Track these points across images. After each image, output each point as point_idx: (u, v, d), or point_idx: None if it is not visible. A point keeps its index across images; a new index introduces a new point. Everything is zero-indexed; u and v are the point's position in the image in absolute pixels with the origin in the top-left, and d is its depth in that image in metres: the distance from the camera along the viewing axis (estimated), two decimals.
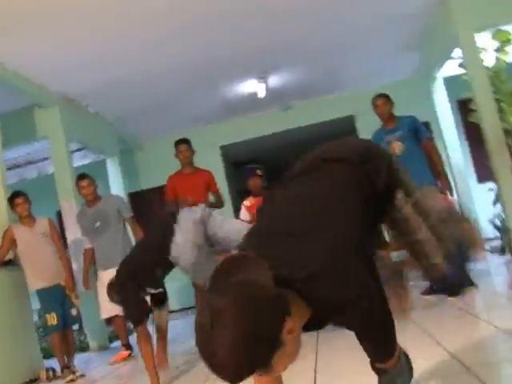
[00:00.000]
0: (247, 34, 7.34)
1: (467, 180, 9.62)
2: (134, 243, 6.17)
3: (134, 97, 8.53)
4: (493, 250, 8.09)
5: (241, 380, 1.47)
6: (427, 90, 9.42)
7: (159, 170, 10.21)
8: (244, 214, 6.18)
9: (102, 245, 6.18)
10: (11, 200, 5.82)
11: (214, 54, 7.61)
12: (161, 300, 4.57)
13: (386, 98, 5.89)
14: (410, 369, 2.10)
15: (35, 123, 7.52)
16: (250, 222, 6.13)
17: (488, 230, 8.58)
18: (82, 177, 6.25)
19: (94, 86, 7.69)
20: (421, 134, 5.86)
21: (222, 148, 10.77)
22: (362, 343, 1.90)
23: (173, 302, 7.06)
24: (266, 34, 7.43)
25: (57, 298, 5.84)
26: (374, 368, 1.98)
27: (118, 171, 9.42)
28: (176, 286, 8.00)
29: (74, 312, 5.99)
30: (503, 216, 7.51)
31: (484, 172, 9.88)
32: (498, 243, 8.04)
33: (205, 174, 6.66)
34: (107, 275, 6.06)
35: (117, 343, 7.65)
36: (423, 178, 5.75)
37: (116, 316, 6.21)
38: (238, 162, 12.41)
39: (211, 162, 8.52)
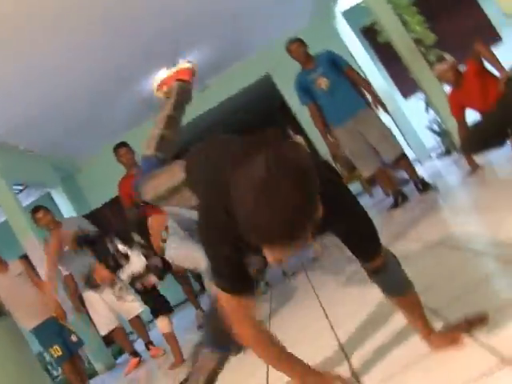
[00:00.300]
0: (143, 28, 7.35)
1: (394, 99, 9.91)
2: None
3: (56, 123, 8.48)
4: (439, 156, 8.45)
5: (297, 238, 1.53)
6: (331, 27, 9.65)
7: (104, 185, 10.25)
8: None
9: (77, 267, 6.22)
10: None
11: (120, 57, 7.62)
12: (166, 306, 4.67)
13: (298, 41, 6.08)
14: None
15: None
16: None
17: (429, 139, 8.94)
18: (36, 210, 6.29)
19: (16, 123, 7.62)
20: (340, 64, 6.09)
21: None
22: (354, 246, 1.94)
23: None
24: (163, 21, 7.49)
25: (53, 330, 5.86)
26: (371, 273, 1.96)
27: (65, 199, 9.39)
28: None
29: (74, 338, 6.03)
30: (439, 120, 7.83)
31: (406, 88, 10.26)
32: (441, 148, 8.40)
33: None
34: (92, 294, 6.18)
35: (121, 359, 7.75)
36: (356, 103, 6.03)
37: (115, 329, 6.30)
38: (174, 155, 12.46)
39: None
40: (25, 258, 6.92)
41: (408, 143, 9.52)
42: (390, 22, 7.42)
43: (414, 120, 9.60)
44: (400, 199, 5.92)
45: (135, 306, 6.25)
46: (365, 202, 7.29)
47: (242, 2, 8.30)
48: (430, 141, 8.94)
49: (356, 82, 6.11)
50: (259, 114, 13.21)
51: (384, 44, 8.33)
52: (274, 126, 15.51)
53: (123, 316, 6.33)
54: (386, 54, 9.83)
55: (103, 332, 6.38)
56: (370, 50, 10.32)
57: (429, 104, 7.77)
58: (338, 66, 6.05)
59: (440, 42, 7.78)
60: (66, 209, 9.32)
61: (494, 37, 10.02)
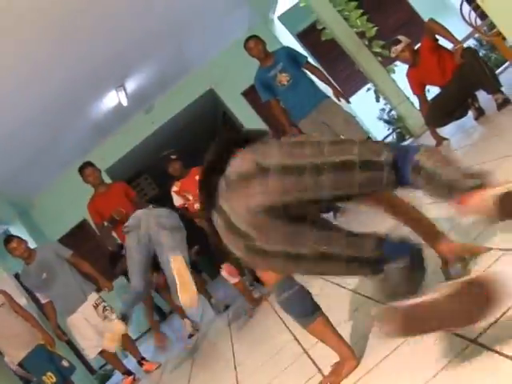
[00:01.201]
0: (89, 51, 7.29)
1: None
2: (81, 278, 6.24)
3: (6, 158, 8.28)
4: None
5: None
6: (270, 34, 9.80)
7: (59, 218, 10.12)
8: (176, 199, 6.30)
9: (57, 293, 6.11)
10: None
11: (66, 84, 7.55)
12: None
13: (255, 38, 6.18)
14: None
15: None
16: (183, 205, 6.30)
17: (380, 131, 9.16)
18: (8, 240, 6.16)
19: None
20: (299, 58, 6.23)
21: (109, 171, 10.70)
22: None
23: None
24: (109, 44, 7.49)
25: (43, 357, 5.72)
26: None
27: (25, 234, 9.19)
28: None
29: (65, 363, 5.89)
30: (390, 107, 8.07)
31: (348, 86, 10.50)
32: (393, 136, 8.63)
33: (118, 185, 6.79)
34: (76, 317, 6.09)
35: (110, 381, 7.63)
36: (317, 95, 6.17)
37: (103, 351, 6.19)
38: (127, 179, 12.38)
39: None
40: None
41: None
42: (333, 19, 7.65)
43: (362, 115, 9.84)
44: None
45: (121, 324, 6.18)
46: None
47: (180, 19, 8.36)
48: (382, 132, 9.16)
49: (315, 74, 6.26)
50: (205, 130, 13.28)
51: (323, 45, 8.56)
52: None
53: None
54: (326, 56, 10.09)
55: (92, 355, 6.26)
56: (309, 52, 10.51)
57: (379, 93, 7.99)
58: (297, 61, 6.17)
59: (380, 33, 8.02)
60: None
61: None
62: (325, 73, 6.45)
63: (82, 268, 6.26)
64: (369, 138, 6.35)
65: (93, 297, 6.14)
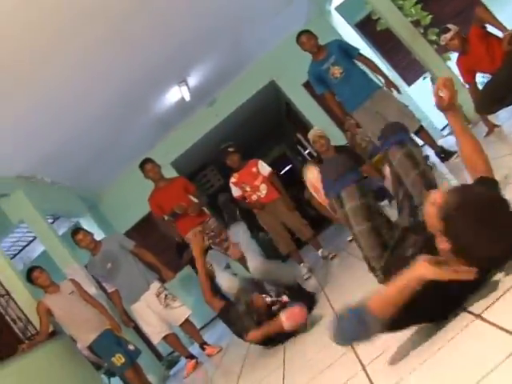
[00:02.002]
0: (149, 49, 7.56)
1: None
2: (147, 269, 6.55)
3: (76, 154, 8.71)
4: (451, 133, 8.63)
5: None
6: (327, 24, 9.90)
7: (126, 211, 10.50)
8: (234, 190, 6.53)
9: (121, 282, 6.46)
10: (29, 276, 6.01)
11: (130, 82, 7.84)
12: None
13: (307, 33, 6.32)
14: None
15: (6, 213, 7.67)
16: (241, 196, 6.52)
17: (439, 118, 9.13)
18: (75, 232, 6.55)
19: (41, 157, 7.88)
20: (351, 51, 6.33)
21: (174, 164, 11.03)
22: None
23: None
24: (168, 42, 7.74)
25: (111, 341, 6.08)
26: None
27: (94, 226, 9.61)
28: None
29: (131, 347, 6.23)
30: None
31: (408, 75, 10.49)
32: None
33: (178, 180, 7.06)
34: (140, 305, 6.41)
35: (174, 370, 7.92)
36: (370, 85, 6.27)
37: (168, 335, 6.50)
38: (193, 172, 12.72)
39: None
40: None
41: None
42: (387, 8, 7.68)
43: (421, 104, 9.82)
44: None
45: (183, 311, 6.47)
46: None
47: (238, 13, 8.55)
48: (441, 120, 9.13)
49: (368, 67, 6.35)
50: (269, 121, 13.44)
51: (382, 34, 8.58)
52: (282, 133, 15.66)
53: (173, 323, 6.53)
54: (385, 45, 10.10)
55: (156, 341, 6.58)
56: (368, 42, 10.54)
57: (434, 82, 7.98)
58: (349, 54, 6.28)
59: (436, 21, 8.02)
60: (96, 235, 9.52)
61: None
62: (377, 64, 6.53)
63: (144, 258, 6.58)
64: (421, 127, 6.39)
65: (155, 286, 6.45)
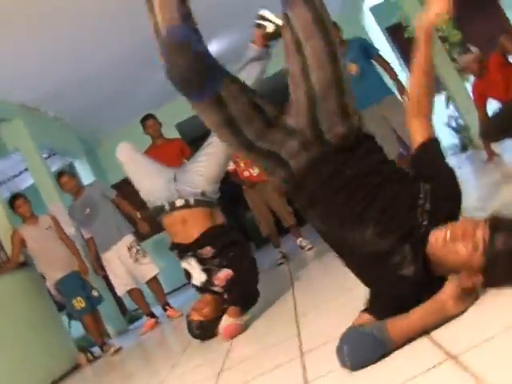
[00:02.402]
0: None
1: None
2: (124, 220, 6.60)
3: (84, 95, 8.69)
4: (454, 153, 8.66)
5: None
6: (358, 24, 9.87)
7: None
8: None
9: (97, 229, 6.54)
10: (12, 203, 6.06)
11: (146, 37, 7.78)
12: None
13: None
14: None
15: (3, 139, 7.68)
16: (234, 170, 6.52)
17: (446, 137, 9.15)
18: (61, 174, 6.60)
19: (47, 91, 7.86)
20: (370, 50, 6.30)
21: (178, 126, 11.01)
22: None
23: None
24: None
25: (76, 283, 6.13)
26: None
27: (87, 171, 9.64)
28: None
29: (95, 293, 6.30)
30: (458, 115, 8.05)
31: None
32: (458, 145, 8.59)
33: (176, 141, 7.09)
34: (110, 255, 6.47)
35: (133, 326, 7.96)
36: (383, 89, 6.24)
37: (133, 290, 6.56)
38: (195, 137, 12.66)
39: None
40: None
41: None
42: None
43: (438, 119, 9.83)
44: None
45: (151, 268, 6.54)
46: None
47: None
48: (448, 139, 9.14)
49: (384, 68, 6.32)
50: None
51: (409, 43, 8.53)
52: None
53: (139, 279, 6.58)
54: (408, 54, 10.05)
55: (120, 292, 6.64)
56: (395, 48, 10.50)
57: (449, 99, 7.99)
58: (368, 53, 6.24)
59: (465, 40, 7.99)
60: (87, 180, 9.54)
61: None
62: (393, 69, 6.49)
63: (123, 209, 6.62)
64: None
65: (128, 238, 6.52)
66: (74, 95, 8.49)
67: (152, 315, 6.50)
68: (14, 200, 6.07)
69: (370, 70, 6.22)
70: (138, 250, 6.52)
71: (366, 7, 9.87)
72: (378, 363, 1.84)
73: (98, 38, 7.20)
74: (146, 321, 6.56)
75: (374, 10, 9.97)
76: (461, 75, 7.62)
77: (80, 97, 8.67)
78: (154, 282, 6.58)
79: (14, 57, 6.65)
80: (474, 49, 5.63)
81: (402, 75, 9.82)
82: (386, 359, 1.84)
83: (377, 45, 9.79)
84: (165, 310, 6.41)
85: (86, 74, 8.01)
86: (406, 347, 1.86)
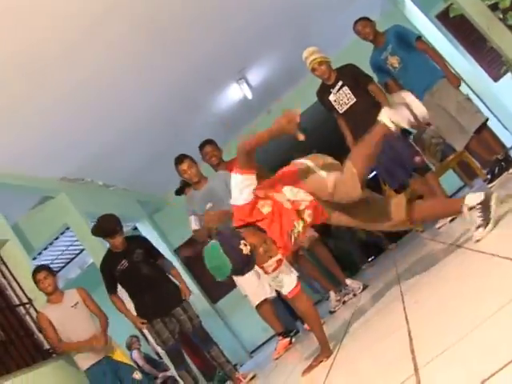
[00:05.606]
0: (204, 47, 7.19)
1: (482, 82, 9.20)
2: None
3: (130, 157, 8.37)
4: None
5: None
6: (403, 17, 9.12)
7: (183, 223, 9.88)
8: None
9: None
10: (33, 277, 5.24)
11: (187, 81, 7.53)
12: None
13: (363, 20, 5.72)
14: None
15: (51, 217, 7.36)
16: None
17: None
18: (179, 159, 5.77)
19: (89, 159, 7.55)
20: (408, 37, 5.64)
21: None
22: None
23: None
24: (226, 38, 7.33)
25: (105, 373, 5.25)
26: None
27: (152, 231, 9.23)
28: None
29: (136, 375, 5.40)
30: None
31: (493, 70, 9.51)
32: None
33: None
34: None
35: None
36: (430, 76, 5.52)
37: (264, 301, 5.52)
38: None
39: None
40: None
41: (506, 128, 8.80)
42: None
43: (509, 102, 8.90)
44: (497, 169, 5.20)
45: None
46: None
47: (305, 7, 7.99)
48: None
49: (428, 55, 5.60)
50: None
51: (464, 27, 7.76)
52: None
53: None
54: (468, 38, 9.22)
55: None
56: (450, 35, 9.64)
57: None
58: (407, 41, 5.57)
59: None
60: (154, 241, 9.09)
61: None
62: (439, 53, 5.74)
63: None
64: (485, 124, 5.51)
65: None
66: (117, 159, 8.16)
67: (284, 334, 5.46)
68: (34, 274, 5.22)
69: (412, 58, 5.54)
70: None
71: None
72: None
73: (134, 98, 7.08)
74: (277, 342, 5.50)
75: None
76: None
77: (124, 159, 8.33)
78: None
79: (46, 131, 6.43)
80: None
81: (462, 62, 8.99)
82: None
83: (427, 36, 9.07)
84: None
85: (122, 135, 7.74)
86: None
